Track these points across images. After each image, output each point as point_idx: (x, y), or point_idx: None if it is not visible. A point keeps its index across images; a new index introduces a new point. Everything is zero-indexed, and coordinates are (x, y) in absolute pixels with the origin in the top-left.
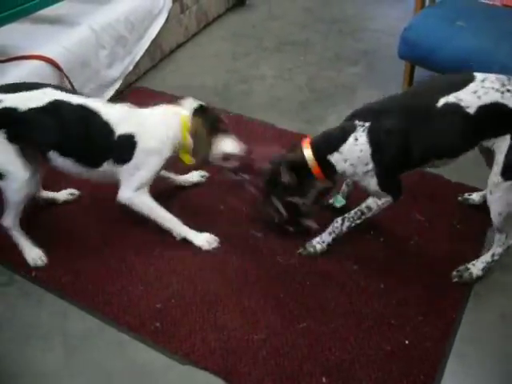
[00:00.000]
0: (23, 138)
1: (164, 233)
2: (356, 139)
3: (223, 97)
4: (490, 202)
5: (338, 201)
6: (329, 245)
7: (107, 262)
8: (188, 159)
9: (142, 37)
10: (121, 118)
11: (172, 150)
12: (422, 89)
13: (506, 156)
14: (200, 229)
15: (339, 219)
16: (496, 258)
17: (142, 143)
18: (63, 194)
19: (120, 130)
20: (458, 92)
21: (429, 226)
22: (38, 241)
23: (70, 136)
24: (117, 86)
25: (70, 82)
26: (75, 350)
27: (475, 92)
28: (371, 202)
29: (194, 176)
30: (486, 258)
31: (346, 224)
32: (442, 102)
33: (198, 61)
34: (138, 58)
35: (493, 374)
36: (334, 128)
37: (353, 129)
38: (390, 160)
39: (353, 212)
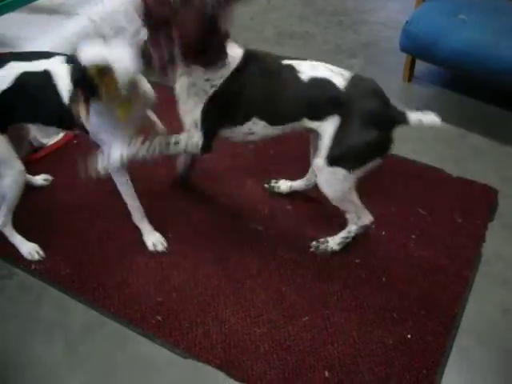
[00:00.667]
0: (9, 123)
1: (165, 227)
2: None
3: None
4: (320, 186)
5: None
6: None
7: (107, 255)
8: None
9: (141, 28)
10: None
11: None
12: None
13: (334, 140)
14: (202, 221)
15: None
16: (352, 234)
17: None
18: (38, 179)
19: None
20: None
21: (430, 220)
22: (36, 234)
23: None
24: None
25: None
26: (76, 343)
27: (313, 65)
28: (183, 138)
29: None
30: (343, 233)
31: (152, 146)
32: (285, 62)
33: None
34: None
35: (495, 368)
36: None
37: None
38: (232, 91)
39: (158, 139)
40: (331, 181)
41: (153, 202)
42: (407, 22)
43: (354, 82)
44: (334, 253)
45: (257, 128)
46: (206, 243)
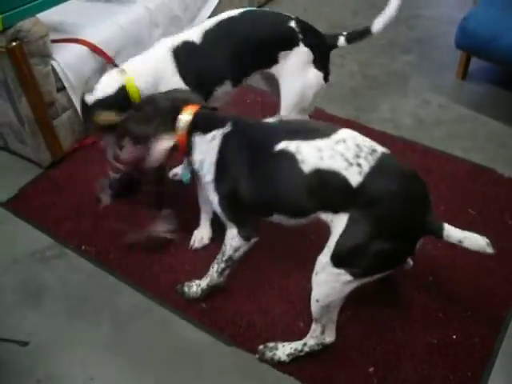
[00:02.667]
0: None
1: (214, 212)
2: (213, 137)
3: None
4: (313, 284)
5: (185, 175)
6: (203, 291)
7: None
8: None
9: (195, 17)
10: None
11: None
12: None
13: (340, 239)
14: None
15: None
16: (306, 349)
17: None
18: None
19: None
20: (304, 141)
21: (480, 221)
22: (87, 217)
23: None
24: None
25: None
26: (123, 325)
27: (320, 150)
28: (226, 238)
29: None
30: (296, 345)
31: (215, 267)
32: (281, 145)
33: None
34: None
35: None
36: (214, 112)
37: (222, 125)
38: (227, 185)
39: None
40: (331, 283)
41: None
42: (464, 18)
43: (376, 175)
44: (280, 363)
45: (284, 219)
46: None
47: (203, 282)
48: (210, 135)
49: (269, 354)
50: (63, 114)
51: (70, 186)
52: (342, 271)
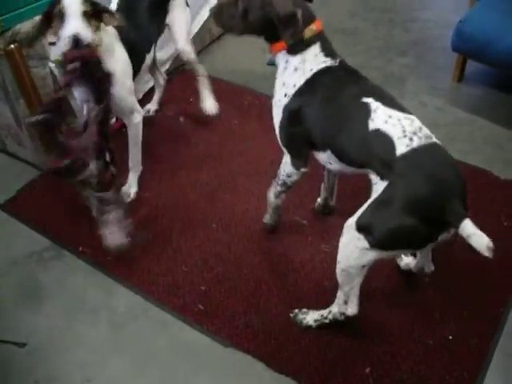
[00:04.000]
0: None
1: (210, 217)
2: (316, 55)
3: (272, 83)
4: (340, 245)
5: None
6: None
7: (153, 242)
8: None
9: (193, 20)
10: None
11: None
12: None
13: (369, 206)
14: (246, 212)
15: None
16: (330, 317)
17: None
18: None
19: None
20: (384, 105)
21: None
22: (85, 219)
23: None
24: (166, 67)
25: None
26: (120, 326)
27: (390, 117)
28: (281, 167)
29: None
30: (323, 312)
31: (272, 189)
32: (367, 100)
33: (246, 46)
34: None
35: None
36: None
37: (334, 56)
38: (293, 111)
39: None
40: (350, 246)
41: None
42: (460, 21)
43: (420, 153)
44: (307, 328)
45: (333, 161)
46: (250, 234)
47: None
48: (321, 59)
49: (300, 318)
50: None
51: (67, 188)
52: (361, 236)
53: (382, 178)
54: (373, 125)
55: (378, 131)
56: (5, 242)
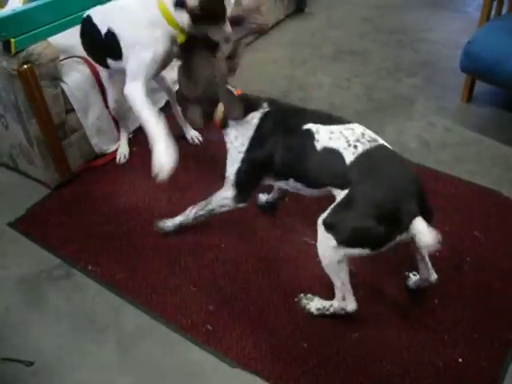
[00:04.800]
0: None
1: (219, 236)
2: (252, 117)
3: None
4: (317, 243)
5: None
6: (175, 226)
7: (162, 261)
8: (182, 38)
9: None
10: (103, 16)
11: (165, 39)
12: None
13: (334, 207)
14: (255, 232)
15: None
16: (331, 310)
17: (124, 38)
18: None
19: (103, 29)
20: (323, 125)
21: (485, 243)
22: (93, 239)
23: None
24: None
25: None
26: (128, 345)
27: (332, 132)
28: (214, 196)
29: None
30: (326, 303)
31: (193, 211)
32: (307, 126)
33: (255, 66)
34: None
35: None
36: (251, 96)
37: (259, 105)
38: (261, 154)
39: (204, 200)
40: (323, 243)
41: None
42: (469, 41)
43: (367, 158)
44: (309, 314)
45: (299, 186)
46: (258, 254)
47: (176, 219)
48: (249, 116)
49: (304, 302)
50: (72, 136)
51: (77, 207)
52: (329, 235)
53: (342, 189)
54: (319, 145)
55: (325, 149)
56: (14, 260)
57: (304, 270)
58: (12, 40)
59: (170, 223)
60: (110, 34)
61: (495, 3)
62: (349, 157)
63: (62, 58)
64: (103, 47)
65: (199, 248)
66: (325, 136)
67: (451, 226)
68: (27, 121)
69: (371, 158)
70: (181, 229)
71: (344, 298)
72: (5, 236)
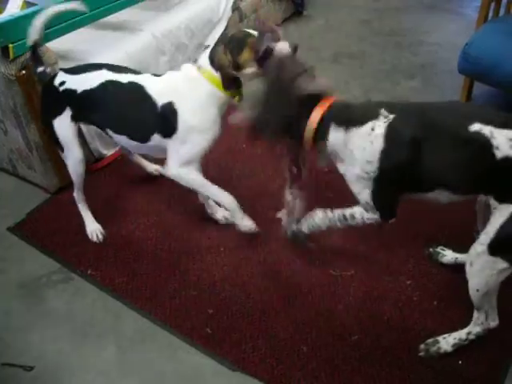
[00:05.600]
0: (82, 118)
1: (218, 240)
2: (372, 129)
3: None
4: (469, 275)
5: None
6: (304, 233)
7: (161, 265)
8: (238, 99)
9: (202, 43)
10: (161, 88)
11: (219, 115)
12: (457, 106)
13: (502, 227)
14: (256, 235)
15: (320, 213)
16: (471, 337)
17: (184, 118)
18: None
19: (161, 100)
20: (497, 129)
21: None
22: (93, 243)
23: (119, 114)
24: None
25: None
26: (127, 349)
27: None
28: (357, 211)
29: None
30: (460, 334)
31: (326, 222)
32: (474, 127)
33: None
34: None
35: None
36: (358, 104)
37: (374, 116)
38: (398, 167)
39: (336, 213)
40: (487, 271)
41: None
42: (467, 44)
43: None
44: (444, 356)
45: (441, 197)
46: (257, 258)
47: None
48: (368, 126)
49: (433, 349)
50: None
51: (77, 212)
52: (497, 259)
53: (505, 202)
54: (500, 154)
55: (507, 159)
56: (14, 264)
57: (303, 272)
58: (10, 45)
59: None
60: (170, 109)
61: (493, 5)
62: None
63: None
64: (154, 120)
65: (198, 252)
66: (504, 142)
67: (450, 229)
68: (26, 126)
69: None
70: (180, 232)
71: (487, 318)
72: (4, 241)
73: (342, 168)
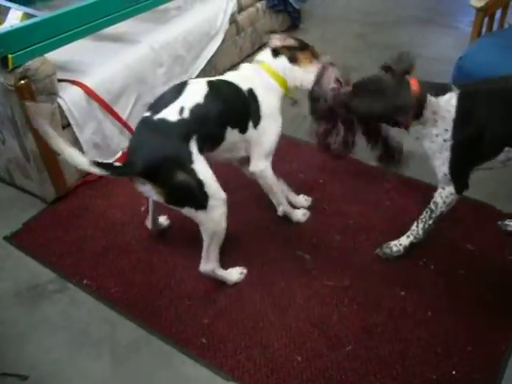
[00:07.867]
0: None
1: None
2: (450, 98)
3: (288, 122)
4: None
5: None
6: (406, 248)
7: (156, 275)
8: (291, 93)
9: (199, 56)
10: (240, 79)
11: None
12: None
13: None
14: (250, 247)
15: (415, 223)
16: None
17: (264, 105)
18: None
19: (245, 86)
20: None
21: (479, 256)
22: (88, 253)
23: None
24: None
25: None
26: (122, 359)
27: None
28: (437, 196)
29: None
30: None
31: (420, 226)
32: None
33: None
34: (193, 76)
35: None
36: (432, 82)
37: (449, 88)
38: (468, 136)
39: (424, 212)
40: None
41: None
42: (461, 57)
43: None
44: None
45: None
46: (252, 268)
47: (405, 241)
48: (444, 98)
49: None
50: None
51: (73, 221)
52: None
53: None
54: None
55: None
56: (10, 274)
57: (298, 283)
58: (9, 56)
59: (397, 247)
60: (252, 94)
61: (486, 19)
62: None
63: (61, 77)
64: (245, 106)
65: (193, 261)
66: None
67: (445, 240)
68: (24, 135)
69: None
70: (175, 243)
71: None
72: (0, 250)
73: (427, 144)
